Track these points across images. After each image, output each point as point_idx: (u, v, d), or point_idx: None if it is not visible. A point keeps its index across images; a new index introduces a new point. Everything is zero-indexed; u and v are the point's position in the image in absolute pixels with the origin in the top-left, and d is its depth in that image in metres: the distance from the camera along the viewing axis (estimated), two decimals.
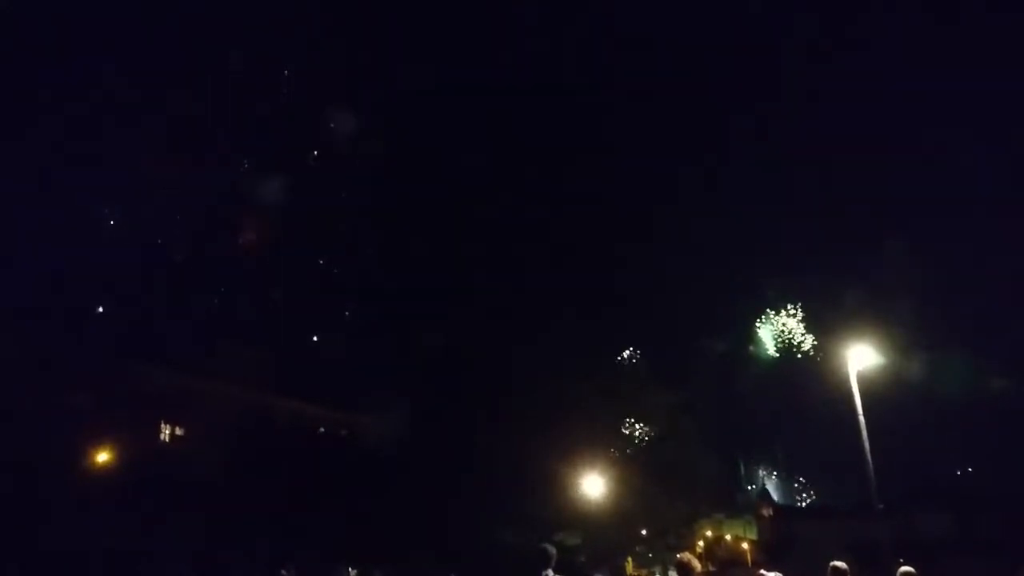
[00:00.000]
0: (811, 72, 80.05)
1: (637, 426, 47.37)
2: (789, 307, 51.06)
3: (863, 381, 17.34)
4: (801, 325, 50.42)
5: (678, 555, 8.02)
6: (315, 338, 59.74)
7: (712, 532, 77.18)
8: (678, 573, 7.76)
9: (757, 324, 52.70)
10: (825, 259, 73.57)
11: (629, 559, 53.71)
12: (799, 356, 49.32)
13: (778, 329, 46.40)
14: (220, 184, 59.33)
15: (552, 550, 8.53)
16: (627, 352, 51.81)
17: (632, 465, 42.84)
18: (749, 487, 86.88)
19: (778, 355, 50.98)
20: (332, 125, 64.18)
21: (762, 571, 13.30)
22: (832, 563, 10.42)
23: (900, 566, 10.71)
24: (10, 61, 44.41)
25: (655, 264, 56.92)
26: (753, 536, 75.52)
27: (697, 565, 7.63)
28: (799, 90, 79.93)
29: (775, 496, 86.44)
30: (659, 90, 70.30)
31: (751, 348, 52.48)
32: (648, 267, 55.90)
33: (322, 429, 49.17)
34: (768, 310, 51.38)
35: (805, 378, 59.55)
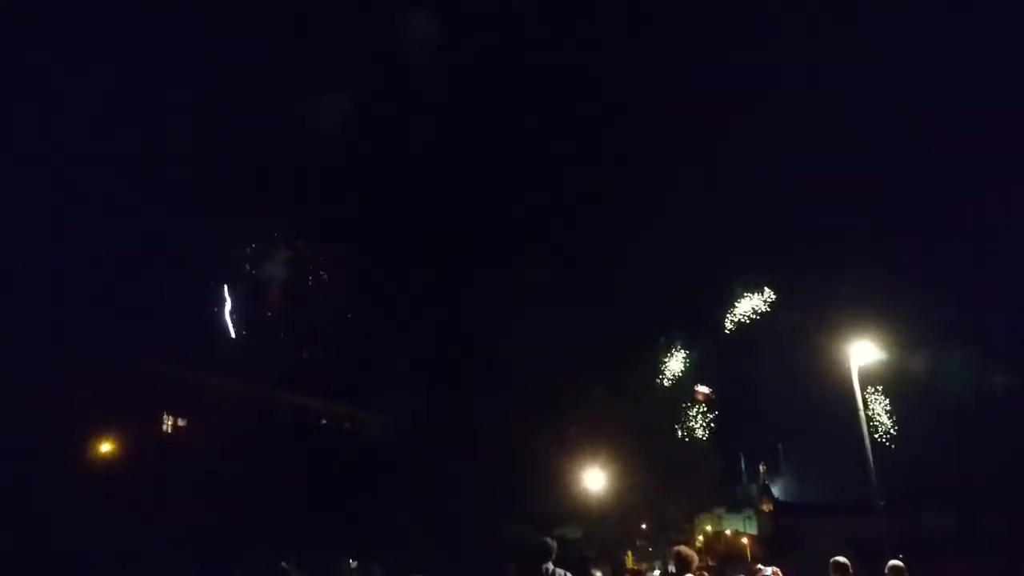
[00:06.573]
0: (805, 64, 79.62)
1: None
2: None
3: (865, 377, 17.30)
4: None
5: (675, 548, 8.02)
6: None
7: (712, 527, 77.44)
8: (676, 565, 7.75)
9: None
10: (825, 254, 73.52)
11: (629, 553, 53.76)
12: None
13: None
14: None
15: (553, 544, 8.54)
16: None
17: (634, 460, 42.73)
18: (750, 483, 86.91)
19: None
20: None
21: (759, 566, 13.29)
22: (833, 559, 10.39)
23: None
24: None
25: (663, 257, 56.07)
26: (753, 531, 75.77)
27: (695, 557, 7.63)
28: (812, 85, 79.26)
29: (776, 492, 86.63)
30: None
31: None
32: (656, 260, 55.06)
33: (324, 422, 49.19)
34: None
35: (807, 376, 59.50)
